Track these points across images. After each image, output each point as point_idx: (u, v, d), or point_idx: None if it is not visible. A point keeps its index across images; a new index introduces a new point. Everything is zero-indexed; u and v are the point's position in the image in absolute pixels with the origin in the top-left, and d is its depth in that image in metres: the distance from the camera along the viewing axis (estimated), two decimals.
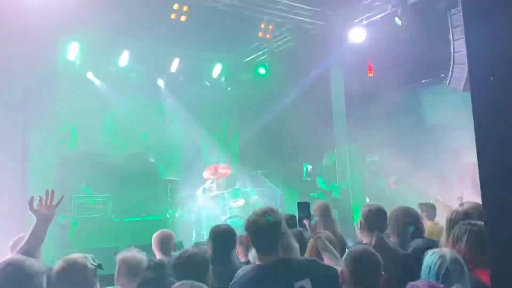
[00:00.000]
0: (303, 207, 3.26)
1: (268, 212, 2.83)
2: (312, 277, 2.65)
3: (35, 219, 2.94)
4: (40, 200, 2.94)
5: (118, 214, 9.46)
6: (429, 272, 2.57)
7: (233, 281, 2.77)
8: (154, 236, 4.37)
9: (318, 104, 11.06)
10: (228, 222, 8.66)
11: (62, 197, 3.05)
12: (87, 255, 2.73)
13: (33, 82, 8.08)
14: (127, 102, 11.82)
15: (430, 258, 2.63)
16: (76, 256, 2.70)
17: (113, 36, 10.23)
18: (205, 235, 9.33)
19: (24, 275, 2.25)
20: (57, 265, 2.65)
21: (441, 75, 10.15)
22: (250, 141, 12.89)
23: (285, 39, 11.09)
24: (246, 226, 2.85)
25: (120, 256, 3.47)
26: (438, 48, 9.10)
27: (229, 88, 13.05)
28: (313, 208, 4.62)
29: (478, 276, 2.65)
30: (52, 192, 2.97)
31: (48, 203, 2.96)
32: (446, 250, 2.67)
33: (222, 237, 3.83)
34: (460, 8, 7.73)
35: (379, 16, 9.62)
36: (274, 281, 2.67)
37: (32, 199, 2.94)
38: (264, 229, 2.77)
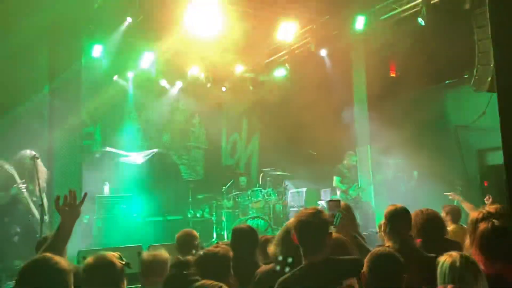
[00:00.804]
0: (334, 205, 3.25)
1: (317, 212, 2.92)
2: (359, 275, 2.70)
3: (61, 218, 2.98)
4: (65, 199, 2.98)
5: (140, 213, 9.59)
6: (444, 277, 2.53)
7: (280, 280, 2.82)
8: (177, 235, 4.41)
9: (340, 104, 11.01)
10: (249, 222, 8.68)
11: (86, 194, 3.10)
12: (115, 253, 2.77)
13: (58, 83, 8.24)
14: (150, 103, 11.98)
15: (443, 262, 2.59)
16: (106, 253, 2.74)
17: (136, 38, 10.36)
18: (226, 236, 9.39)
19: (52, 272, 2.30)
20: (86, 262, 2.70)
21: (465, 76, 9.99)
22: (271, 142, 12.89)
23: (306, 39, 11.05)
24: (296, 225, 2.91)
25: (146, 254, 3.51)
26: (462, 49, 8.96)
27: (249, 90, 13.08)
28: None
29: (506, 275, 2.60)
30: (74, 191, 3.02)
31: (73, 201, 3.00)
32: (457, 253, 2.62)
33: (244, 237, 3.85)
34: (485, 8, 7.61)
35: (402, 15, 9.53)
36: (322, 280, 2.73)
37: (58, 198, 2.98)
38: (316, 228, 2.86)
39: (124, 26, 9.48)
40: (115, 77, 11.09)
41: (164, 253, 3.49)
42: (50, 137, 7.95)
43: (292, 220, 3.09)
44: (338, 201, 3.31)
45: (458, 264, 2.51)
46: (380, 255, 2.70)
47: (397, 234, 3.34)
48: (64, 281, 2.32)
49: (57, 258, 2.38)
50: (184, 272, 2.97)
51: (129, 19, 9.18)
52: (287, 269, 2.98)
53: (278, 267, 3.23)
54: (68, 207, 2.95)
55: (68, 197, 2.98)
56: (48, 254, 2.43)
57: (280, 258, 3.28)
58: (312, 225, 2.85)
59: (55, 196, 3.02)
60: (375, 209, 9.66)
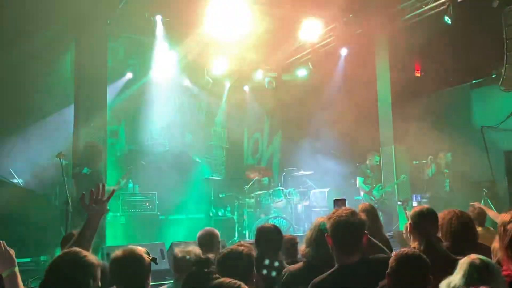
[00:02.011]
0: (341, 204, 3.22)
1: (354, 212, 2.91)
2: None
3: (87, 214, 3.01)
4: (91, 194, 3.00)
5: (163, 211, 9.66)
6: (460, 278, 2.47)
7: (314, 281, 2.79)
8: (199, 234, 4.42)
9: (363, 104, 10.89)
10: (270, 222, 8.67)
11: (114, 191, 3.13)
12: (142, 248, 2.81)
13: (84, 82, 8.37)
14: (173, 103, 12.07)
15: (459, 264, 2.52)
16: (134, 247, 2.79)
17: (159, 38, 10.45)
18: (248, 235, 9.39)
19: (80, 265, 2.35)
20: (115, 255, 2.74)
21: (493, 75, 9.79)
22: (293, 141, 12.85)
23: (329, 39, 10.99)
24: (334, 225, 2.86)
25: (179, 250, 3.52)
26: (490, 47, 8.77)
27: (271, 89, 13.07)
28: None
29: None
30: (103, 186, 3.04)
31: (99, 197, 3.02)
32: (475, 256, 2.55)
33: (269, 236, 3.82)
34: None
35: (428, 14, 9.38)
36: (360, 281, 2.70)
37: (83, 195, 3.01)
38: (354, 228, 2.83)
39: (146, 26, 9.58)
40: (136, 75, 11.16)
41: (196, 249, 3.51)
42: (76, 135, 8.08)
43: (325, 220, 3.03)
44: (344, 200, 3.29)
45: (475, 266, 2.44)
46: (405, 255, 2.65)
47: (423, 235, 3.27)
48: (92, 275, 2.36)
49: (85, 252, 2.43)
50: (205, 270, 2.97)
51: (152, 19, 9.27)
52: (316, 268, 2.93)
53: (307, 266, 3.20)
54: (95, 203, 2.97)
55: (95, 192, 3.00)
56: (77, 248, 2.48)
57: (311, 258, 3.25)
58: (350, 224, 2.81)
59: (81, 194, 3.05)
60: (399, 210, 9.52)
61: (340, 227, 2.83)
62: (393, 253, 2.89)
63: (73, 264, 2.35)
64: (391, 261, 2.67)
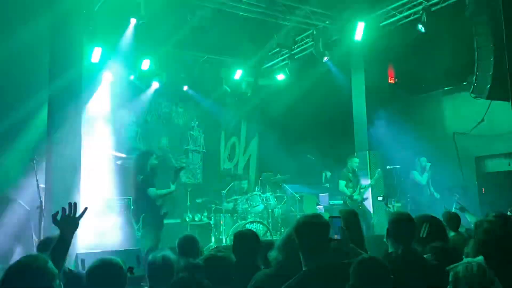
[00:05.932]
0: (335, 221, 3.22)
1: (319, 215, 2.95)
2: None
3: (60, 230, 2.99)
4: (64, 212, 2.99)
5: (138, 217, 9.53)
6: (458, 285, 2.50)
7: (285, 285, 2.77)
8: (179, 240, 4.38)
9: (339, 110, 11.04)
10: (247, 227, 8.68)
11: (86, 209, 3.10)
12: (117, 258, 2.80)
13: (58, 86, 8.21)
14: (148, 106, 11.96)
15: (457, 271, 2.55)
16: (112, 258, 2.77)
17: (135, 41, 10.35)
18: (224, 240, 9.36)
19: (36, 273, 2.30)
20: (91, 266, 2.72)
21: (464, 83, 10.06)
22: (269, 146, 12.90)
23: (306, 45, 11.10)
24: (297, 230, 2.88)
25: (153, 256, 3.49)
26: (462, 55, 9.02)
27: (249, 94, 13.09)
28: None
29: None
30: (75, 204, 3.03)
31: (72, 215, 3.01)
32: (471, 261, 2.60)
33: (246, 242, 3.82)
34: (485, 16, 7.67)
35: (402, 22, 9.58)
36: (323, 285, 2.69)
37: (56, 213, 3.00)
38: (318, 230, 2.84)
39: (124, 28, 9.48)
40: (111, 78, 11.02)
41: (171, 255, 3.48)
42: (50, 140, 7.92)
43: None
44: (339, 218, 3.30)
45: (473, 272, 2.48)
46: (364, 264, 2.66)
47: (400, 241, 3.33)
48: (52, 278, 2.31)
49: (41, 261, 2.37)
50: (196, 275, 2.95)
51: (129, 22, 9.17)
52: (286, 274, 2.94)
53: (277, 272, 3.20)
54: (66, 220, 2.96)
55: (67, 210, 2.99)
56: (34, 255, 2.42)
57: (280, 263, 3.26)
58: (314, 227, 2.83)
59: (55, 212, 3.03)
60: (372, 215, 9.65)
61: (303, 230, 2.86)
62: None
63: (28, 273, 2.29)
64: (351, 269, 2.64)
